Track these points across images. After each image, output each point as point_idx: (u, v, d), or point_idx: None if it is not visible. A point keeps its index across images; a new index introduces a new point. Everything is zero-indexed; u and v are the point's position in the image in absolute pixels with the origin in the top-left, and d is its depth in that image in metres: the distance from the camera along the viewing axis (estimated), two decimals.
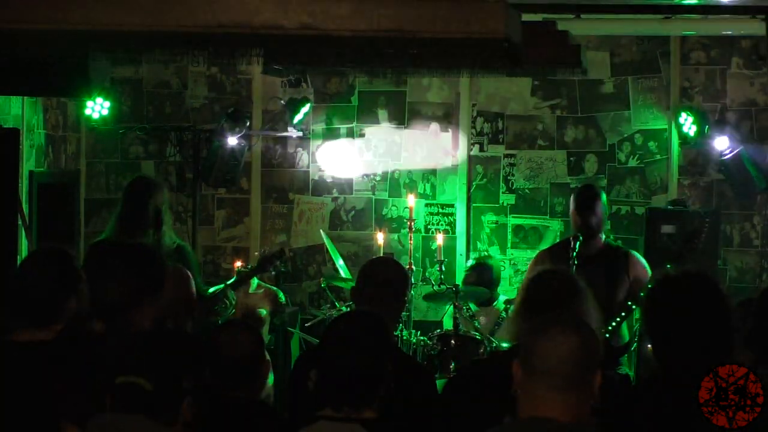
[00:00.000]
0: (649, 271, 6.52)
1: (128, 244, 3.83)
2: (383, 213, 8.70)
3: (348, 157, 8.68)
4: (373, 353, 3.24)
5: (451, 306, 7.49)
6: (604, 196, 6.65)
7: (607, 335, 6.12)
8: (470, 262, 8.03)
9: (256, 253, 7.52)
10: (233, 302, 6.67)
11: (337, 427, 3.16)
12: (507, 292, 7.98)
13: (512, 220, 8.60)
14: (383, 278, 4.40)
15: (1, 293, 3.94)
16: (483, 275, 7.72)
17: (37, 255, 3.91)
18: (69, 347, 3.51)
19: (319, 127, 8.76)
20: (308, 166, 8.80)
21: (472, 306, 7.48)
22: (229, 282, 6.70)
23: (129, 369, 2.89)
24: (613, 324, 6.21)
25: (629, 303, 6.27)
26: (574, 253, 6.22)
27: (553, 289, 3.88)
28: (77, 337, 3.56)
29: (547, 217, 8.53)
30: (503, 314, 7.50)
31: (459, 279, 8.20)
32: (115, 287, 3.56)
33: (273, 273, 7.35)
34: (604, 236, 6.58)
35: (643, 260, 6.69)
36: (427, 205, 8.66)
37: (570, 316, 3.13)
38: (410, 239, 7.61)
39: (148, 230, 6.17)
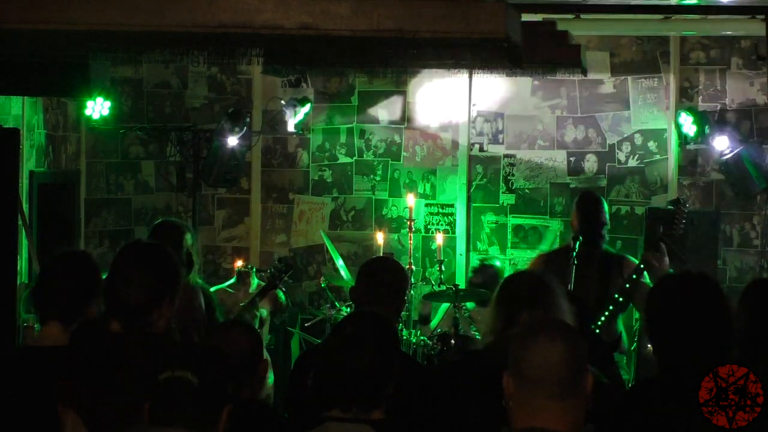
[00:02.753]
0: None
1: (148, 244, 3.83)
2: (383, 213, 8.70)
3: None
4: (382, 354, 3.25)
5: (444, 305, 7.52)
6: (605, 204, 6.69)
7: (598, 331, 6.15)
8: (475, 264, 8.03)
9: (269, 270, 7.33)
10: (258, 317, 6.76)
11: (346, 428, 3.16)
12: None
13: (512, 220, 8.60)
14: (383, 278, 4.40)
15: (0, 293, 3.97)
16: (489, 278, 7.73)
17: (62, 257, 3.93)
18: (85, 347, 3.52)
19: (319, 126, 8.76)
20: (308, 166, 8.80)
21: (470, 305, 7.49)
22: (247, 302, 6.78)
23: (175, 364, 2.83)
24: (602, 319, 6.24)
25: (616, 296, 6.29)
26: (574, 253, 6.25)
27: (528, 285, 3.94)
28: (94, 337, 3.57)
29: (547, 217, 8.53)
30: None
31: (459, 279, 8.20)
32: (136, 288, 3.56)
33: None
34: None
35: (636, 261, 6.69)
36: (427, 205, 8.66)
37: (553, 320, 3.13)
38: (410, 239, 7.61)
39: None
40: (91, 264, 3.87)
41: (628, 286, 6.27)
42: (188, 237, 6.20)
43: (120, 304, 3.55)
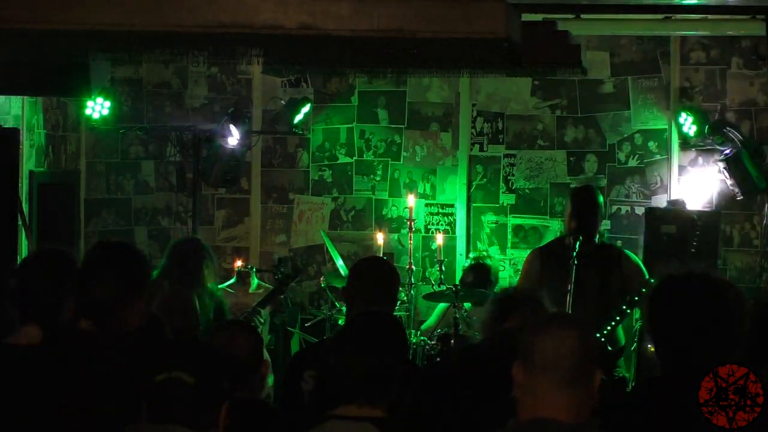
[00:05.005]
0: (644, 270, 6.57)
1: (117, 243, 3.84)
2: (383, 213, 8.70)
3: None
4: (396, 353, 3.29)
5: (440, 305, 7.52)
6: (600, 197, 6.72)
7: (603, 339, 6.13)
8: (467, 262, 8.04)
9: (277, 275, 7.28)
10: (264, 321, 6.79)
11: (350, 426, 3.17)
12: None
13: (512, 220, 8.59)
14: (374, 278, 4.41)
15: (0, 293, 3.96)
16: (481, 276, 7.73)
17: (39, 255, 3.94)
18: (60, 347, 3.52)
19: (319, 126, 8.76)
20: (308, 166, 8.80)
21: (467, 305, 7.50)
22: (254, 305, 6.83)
23: (171, 365, 2.83)
24: (608, 329, 6.22)
25: (624, 307, 6.29)
26: (575, 253, 6.25)
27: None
28: (66, 336, 3.56)
29: (547, 217, 8.53)
30: None
31: (459, 279, 8.20)
32: (108, 286, 3.56)
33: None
34: (597, 236, 6.64)
35: (637, 259, 6.73)
36: (427, 205, 8.66)
37: (567, 314, 3.14)
38: (410, 239, 7.61)
39: (200, 288, 6.26)
40: (66, 262, 3.83)
41: (637, 299, 6.24)
42: (208, 261, 6.30)
43: (91, 303, 3.55)
